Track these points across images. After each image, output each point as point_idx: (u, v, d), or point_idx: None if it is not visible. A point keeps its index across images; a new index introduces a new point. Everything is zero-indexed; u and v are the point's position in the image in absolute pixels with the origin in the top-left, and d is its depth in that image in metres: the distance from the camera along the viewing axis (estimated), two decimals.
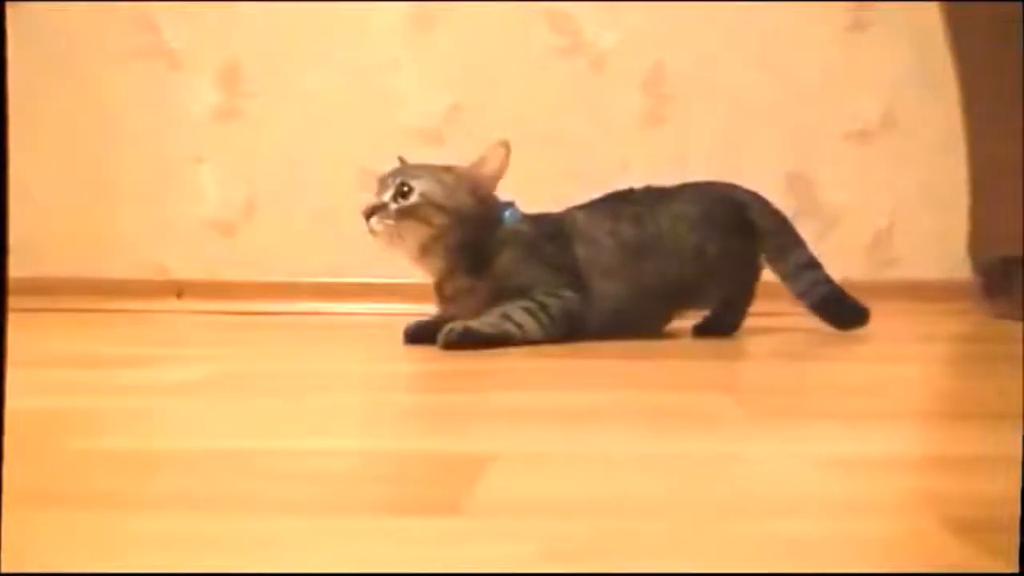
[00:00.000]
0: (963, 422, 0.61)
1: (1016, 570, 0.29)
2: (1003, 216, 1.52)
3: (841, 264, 1.70)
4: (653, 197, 1.27)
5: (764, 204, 1.30)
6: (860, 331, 1.28)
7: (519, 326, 1.11)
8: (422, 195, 1.14)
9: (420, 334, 1.16)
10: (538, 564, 0.31)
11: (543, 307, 1.13)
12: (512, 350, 1.06)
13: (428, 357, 1.02)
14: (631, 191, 1.29)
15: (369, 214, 1.14)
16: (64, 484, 0.44)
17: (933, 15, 1.57)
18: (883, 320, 1.50)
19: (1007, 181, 1.50)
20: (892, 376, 0.85)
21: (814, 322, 1.29)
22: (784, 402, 0.68)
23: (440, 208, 1.15)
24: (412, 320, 1.19)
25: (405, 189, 1.14)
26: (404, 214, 1.14)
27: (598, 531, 0.34)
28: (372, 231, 1.15)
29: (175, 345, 1.26)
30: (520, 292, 1.14)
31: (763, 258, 1.28)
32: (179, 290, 1.93)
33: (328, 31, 1.92)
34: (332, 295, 1.85)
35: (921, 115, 1.79)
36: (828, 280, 1.28)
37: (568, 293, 1.16)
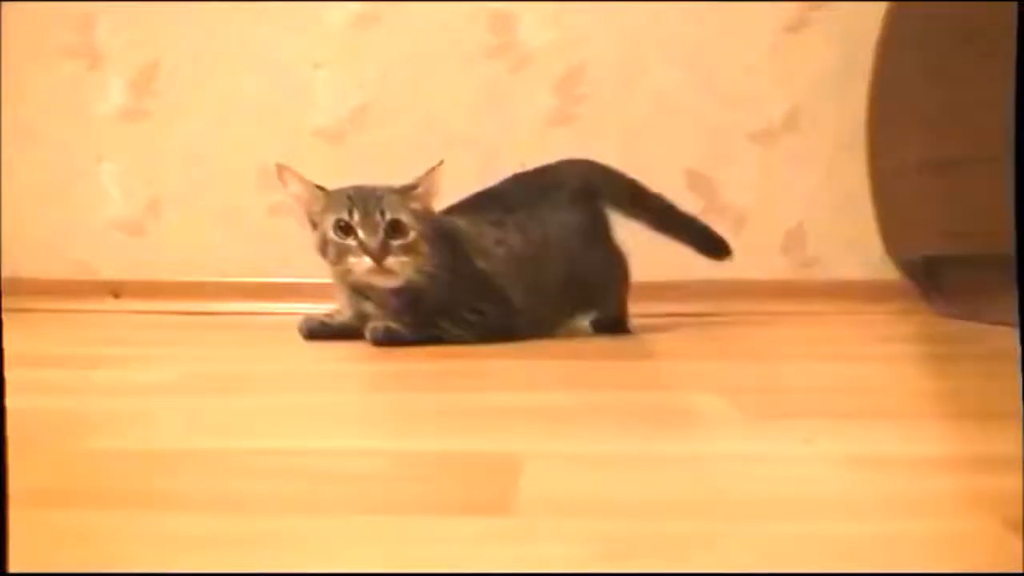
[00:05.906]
0: (973, 422, 0.61)
1: None
2: (915, 216, 1.53)
3: (755, 263, 1.72)
4: (525, 197, 1.27)
5: (611, 178, 1.32)
6: (805, 333, 1.33)
7: (446, 331, 1.13)
8: (412, 227, 1.12)
9: (323, 332, 1.18)
10: (598, 564, 0.31)
11: (468, 324, 1.14)
12: (475, 351, 1.06)
13: (384, 356, 1.00)
14: (501, 192, 1.29)
15: (380, 256, 1.09)
16: (77, 485, 0.43)
17: (864, 18, 1.60)
18: (812, 320, 1.51)
19: (913, 181, 1.50)
20: (865, 377, 0.86)
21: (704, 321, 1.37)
22: (778, 402, 0.69)
23: (424, 237, 1.13)
24: (307, 317, 1.20)
25: (398, 225, 1.11)
26: (407, 250, 1.11)
27: (650, 532, 0.35)
28: (387, 271, 1.10)
29: (125, 345, 1.22)
30: (441, 309, 1.14)
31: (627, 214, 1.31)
32: (114, 290, 1.86)
33: (248, 31, 1.84)
34: (235, 295, 1.80)
35: (829, 116, 1.75)
36: (690, 216, 1.35)
37: (489, 308, 1.16)
